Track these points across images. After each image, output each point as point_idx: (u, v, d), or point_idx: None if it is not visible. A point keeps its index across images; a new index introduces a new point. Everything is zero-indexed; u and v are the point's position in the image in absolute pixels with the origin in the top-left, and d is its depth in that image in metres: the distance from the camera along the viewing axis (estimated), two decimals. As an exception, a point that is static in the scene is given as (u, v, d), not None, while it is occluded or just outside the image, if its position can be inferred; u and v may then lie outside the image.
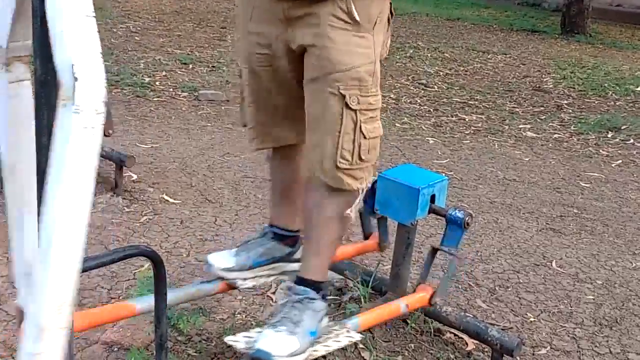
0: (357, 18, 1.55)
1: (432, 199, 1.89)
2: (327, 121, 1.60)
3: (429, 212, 1.90)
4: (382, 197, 1.90)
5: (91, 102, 0.93)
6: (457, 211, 1.86)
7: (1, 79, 1.06)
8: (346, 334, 1.70)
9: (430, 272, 1.96)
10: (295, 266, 1.87)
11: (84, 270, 1.25)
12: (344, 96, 1.57)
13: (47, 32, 1.03)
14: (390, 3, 1.70)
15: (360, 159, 1.61)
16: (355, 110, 1.58)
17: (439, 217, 1.99)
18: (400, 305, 1.89)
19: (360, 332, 1.77)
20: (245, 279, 1.85)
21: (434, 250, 1.91)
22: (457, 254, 1.88)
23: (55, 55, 0.94)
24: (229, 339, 1.64)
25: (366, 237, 2.19)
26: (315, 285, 1.70)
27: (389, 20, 1.70)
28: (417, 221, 1.91)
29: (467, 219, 1.84)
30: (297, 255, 1.90)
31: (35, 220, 1.07)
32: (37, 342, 0.92)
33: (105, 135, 2.98)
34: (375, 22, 1.61)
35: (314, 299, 1.67)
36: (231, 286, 1.87)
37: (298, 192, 1.87)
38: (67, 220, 0.92)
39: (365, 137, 1.60)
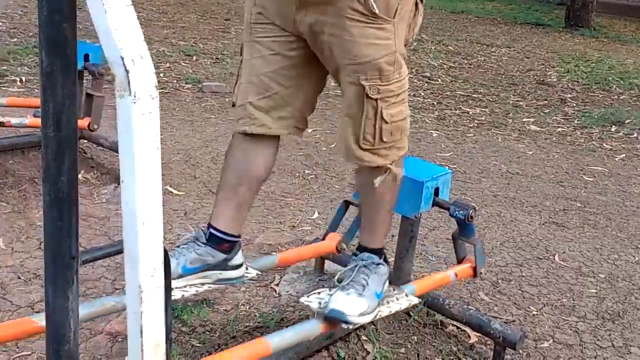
0: (375, 10, 1.54)
1: (436, 192, 1.90)
2: (350, 107, 1.64)
3: (433, 205, 1.91)
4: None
5: (145, 89, 0.99)
6: (459, 208, 1.86)
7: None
8: (406, 298, 1.81)
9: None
10: (231, 274, 1.78)
11: (89, 260, 1.25)
12: (364, 87, 1.59)
13: (53, 24, 1.04)
14: None
15: (382, 140, 1.65)
16: (375, 99, 1.60)
17: (442, 210, 1.99)
18: (449, 274, 1.99)
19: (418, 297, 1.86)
20: (174, 288, 1.67)
21: (454, 238, 2.01)
22: (477, 242, 1.97)
23: (105, 50, 0.99)
24: (304, 300, 1.72)
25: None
26: (378, 251, 1.80)
27: (417, 4, 1.68)
28: (420, 214, 1.92)
29: (470, 212, 1.85)
30: (235, 262, 1.79)
31: None
32: (139, 303, 1.05)
33: (90, 130, 2.99)
34: (396, 11, 1.59)
35: (378, 263, 1.77)
36: None
37: (252, 190, 1.79)
38: (144, 197, 1.03)
39: (386, 122, 1.63)
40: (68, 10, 1.04)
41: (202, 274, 1.75)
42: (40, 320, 1.53)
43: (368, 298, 1.69)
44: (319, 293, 1.75)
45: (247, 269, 1.85)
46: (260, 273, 1.91)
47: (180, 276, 1.71)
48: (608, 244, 2.87)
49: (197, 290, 1.73)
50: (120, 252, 1.41)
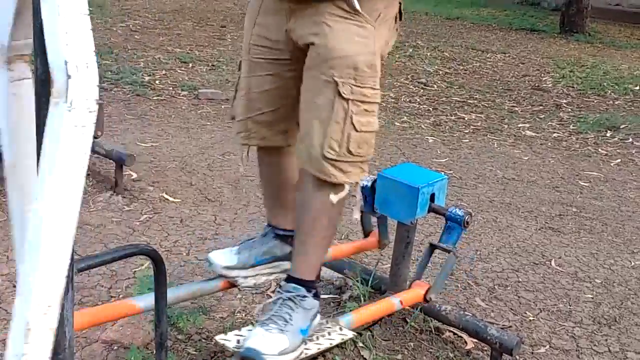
0: (358, 7, 1.54)
1: (432, 197, 1.90)
2: (318, 108, 1.57)
3: (429, 211, 1.91)
4: (381, 196, 1.91)
5: (84, 100, 0.93)
6: (457, 210, 1.87)
7: (2, 77, 1.07)
8: (339, 332, 1.70)
9: (430, 270, 1.96)
10: None
11: (85, 269, 1.26)
12: (337, 83, 1.54)
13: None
14: (400, 3, 1.69)
15: (348, 151, 1.58)
16: (347, 100, 1.55)
17: (438, 215, 1.99)
18: (394, 302, 1.88)
19: (354, 330, 1.77)
20: (246, 277, 1.85)
21: (431, 247, 1.92)
22: (454, 251, 1.88)
23: (49, 52, 0.95)
24: (219, 338, 1.64)
25: (366, 235, 2.20)
26: (306, 284, 1.69)
27: (396, 19, 1.69)
28: (416, 220, 1.92)
29: (466, 217, 1.85)
30: None
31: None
32: (23, 343, 0.91)
33: (94, 137, 2.99)
34: (379, 16, 1.59)
35: (305, 296, 1.66)
36: (232, 284, 1.86)
37: (289, 193, 1.85)
38: (56, 218, 0.92)
39: (356, 130, 1.56)
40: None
41: (271, 264, 1.87)
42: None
43: (290, 334, 1.58)
44: (239, 329, 1.69)
45: None
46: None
47: (254, 266, 1.85)
48: (604, 249, 2.87)
49: (266, 279, 1.88)
50: (117, 259, 1.42)
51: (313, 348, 1.63)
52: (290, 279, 1.70)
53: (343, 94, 1.55)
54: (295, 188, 1.75)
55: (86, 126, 0.95)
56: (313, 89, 1.59)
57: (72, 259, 1.18)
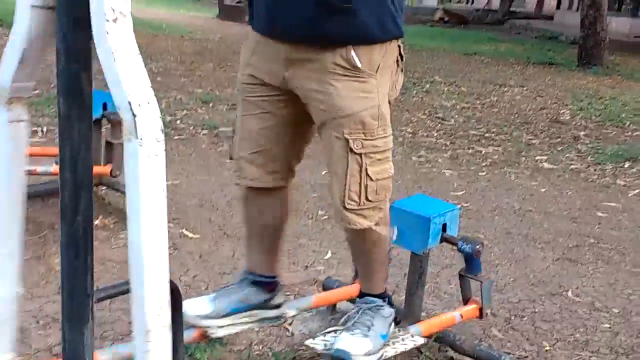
0: (358, 65, 1.61)
1: (444, 227, 1.94)
2: (335, 164, 1.67)
3: (441, 241, 1.94)
4: (394, 226, 1.95)
5: (151, 133, 1.04)
6: (467, 243, 1.90)
7: (2, 117, 1.14)
8: (411, 338, 1.86)
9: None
10: (273, 313, 1.94)
11: (105, 298, 1.31)
12: (347, 140, 1.63)
13: (71, 71, 1.11)
14: (399, 46, 1.74)
15: (367, 199, 1.68)
16: (359, 154, 1.64)
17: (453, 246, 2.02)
18: (455, 315, 2.03)
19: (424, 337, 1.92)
20: (220, 327, 1.84)
21: (461, 276, 2.00)
22: (484, 279, 1.99)
23: (114, 96, 1.05)
24: (309, 342, 1.78)
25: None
26: (379, 295, 1.85)
27: (398, 62, 1.74)
28: (429, 250, 1.95)
29: (477, 247, 1.88)
30: (276, 301, 1.94)
31: (15, 264, 1.18)
32: (146, 342, 1.07)
33: (112, 176, 3.08)
34: (379, 67, 1.65)
35: (382, 306, 1.83)
36: (204, 335, 1.84)
37: (272, 237, 1.91)
38: (150, 237, 1.07)
39: (372, 179, 1.66)
40: (84, 61, 1.12)
41: (247, 312, 1.89)
42: (57, 361, 1.57)
43: (373, 339, 1.74)
44: (324, 335, 1.80)
45: (286, 308, 1.97)
46: (297, 311, 2.02)
47: (228, 314, 1.86)
48: (622, 279, 2.87)
49: (241, 329, 1.89)
50: (134, 289, 1.46)
51: (390, 351, 1.78)
52: (363, 295, 1.86)
53: (355, 150, 1.64)
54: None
55: (158, 155, 1.06)
56: (328, 146, 1.68)
57: (91, 289, 1.24)
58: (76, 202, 1.19)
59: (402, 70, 1.77)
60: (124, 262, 2.69)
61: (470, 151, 4.99)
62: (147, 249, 1.09)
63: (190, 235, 3.02)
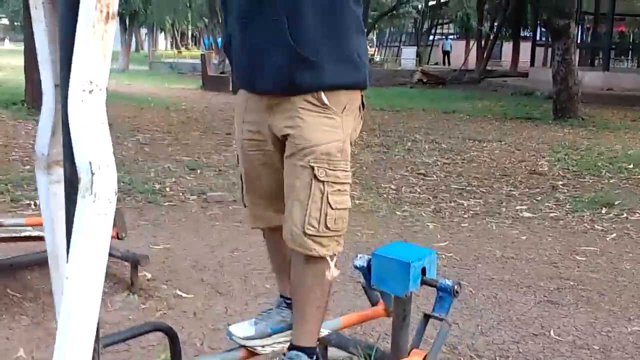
0: (327, 103, 1.79)
1: (423, 271, 2.05)
2: (298, 191, 1.81)
3: (421, 284, 2.06)
4: (377, 272, 2.07)
5: (105, 192, 1.15)
6: (446, 281, 2.02)
7: (44, 180, 1.28)
8: None
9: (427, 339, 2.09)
10: None
11: (110, 344, 1.42)
12: (313, 168, 1.78)
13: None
14: (362, 96, 1.93)
15: (326, 227, 1.81)
16: (323, 182, 1.79)
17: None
18: None
19: None
20: (264, 346, 2.00)
21: (425, 317, 2.05)
22: (447, 319, 2.02)
23: (76, 156, 1.17)
24: None
25: (373, 305, 2.34)
26: (307, 350, 1.89)
27: (360, 109, 1.93)
28: (411, 293, 2.06)
29: (455, 286, 2.00)
30: None
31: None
32: None
33: (119, 238, 3.19)
34: (345, 108, 1.84)
35: None
36: (253, 352, 2.02)
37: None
38: (85, 289, 1.14)
39: (332, 208, 1.80)
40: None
41: (287, 332, 2.02)
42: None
43: None
44: None
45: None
46: (329, 330, 2.14)
47: (270, 335, 2.01)
48: (601, 318, 2.98)
49: (283, 346, 2.00)
50: (136, 335, 1.57)
51: None
52: (292, 347, 1.89)
53: (319, 177, 1.79)
54: (291, 264, 1.94)
55: (107, 214, 1.17)
56: (293, 175, 1.82)
57: (98, 335, 1.35)
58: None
59: (362, 118, 1.95)
60: (119, 323, 2.79)
61: (452, 204, 5.14)
62: (78, 311, 1.15)
63: (184, 295, 3.11)
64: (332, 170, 1.80)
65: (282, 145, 1.87)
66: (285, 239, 1.87)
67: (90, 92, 1.18)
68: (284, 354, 1.89)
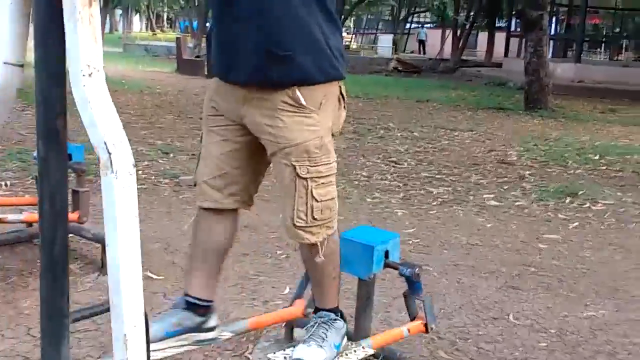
0: (303, 102, 1.86)
1: (387, 254, 2.13)
2: (286, 187, 1.91)
3: (384, 267, 2.14)
4: (342, 255, 2.14)
5: (124, 167, 1.24)
6: (407, 267, 2.11)
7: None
8: (362, 350, 2.06)
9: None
10: (207, 335, 2.08)
11: (79, 319, 1.47)
12: (294, 167, 1.87)
13: (48, 119, 1.30)
14: (340, 87, 1.99)
15: (314, 218, 1.90)
16: (305, 179, 1.88)
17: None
18: (402, 330, 2.23)
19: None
20: (156, 350, 1.92)
21: (405, 296, 2.19)
22: (426, 298, 2.21)
23: (91, 137, 1.24)
24: (271, 356, 1.99)
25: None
26: (332, 310, 2.06)
27: (340, 101, 1.99)
28: (374, 275, 2.15)
29: (416, 270, 2.08)
30: (209, 324, 2.08)
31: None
32: (125, 350, 1.25)
33: (80, 222, 3.23)
34: (321, 104, 1.90)
35: (335, 319, 2.05)
36: None
37: (217, 260, 2.10)
38: (127, 258, 1.26)
39: (317, 200, 1.89)
40: (60, 108, 1.31)
41: (181, 336, 2.01)
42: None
43: (327, 348, 1.94)
44: (284, 349, 1.98)
45: (221, 331, 2.08)
46: (232, 334, 2.15)
47: (163, 339, 1.96)
48: (559, 303, 3.09)
49: (177, 351, 1.99)
50: (106, 311, 1.61)
51: None
52: (318, 310, 2.06)
53: (301, 175, 1.88)
54: (299, 249, 2.07)
55: (131, 186, 1.26)
56: (279, 172, 1.92)
57: (68, 310, 1.41)
58: (54, 233, 1.37)
59: (344, 108, 2.02)
60: (90, 303, 2.82)
61: (422, 192, 5.24)
62: (124, 268, 1.27)
63: (155, 276, 3.16)
64: (313, 166, 1.88)
65: (250, 133, 1.95)
66: (285, 234, 2.01)
67: (90, 75, 1.23)
68: (313, 314, 2.06)
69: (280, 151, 1.88)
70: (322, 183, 1.90)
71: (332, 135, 1.97)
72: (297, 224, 1.89)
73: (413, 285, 2.13)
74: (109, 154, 1.21)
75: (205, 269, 2.08)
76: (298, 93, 1.85)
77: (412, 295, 2.18)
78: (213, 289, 2.12)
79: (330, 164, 1.93)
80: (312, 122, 1.88)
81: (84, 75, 1.20)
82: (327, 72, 1.90)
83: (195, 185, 2.09)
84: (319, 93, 1.89)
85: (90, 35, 1.19)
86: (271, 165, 2.03)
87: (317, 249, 1.94)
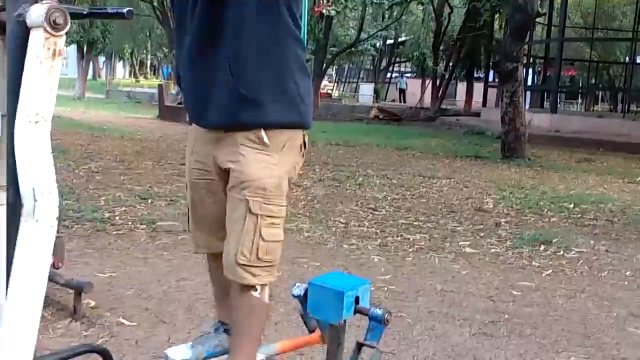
0: (266, 141, 1.92)
1: (357, 300, 2.15)
2: (235, 222, 1.93)
3: (355, 312, 2.15)
4: (313, 301, 2.15)
5: (48, 218, 1.25)
6: (377, 310, 2.12)
7: None
8: None
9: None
10: None
11: (43, 364, 1.47)
12: (248, 201, 1.90)
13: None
14: (304, 135, 2.05)
15: (257, 257, 1.92)
16: (256, 215, 1.90)
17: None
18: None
19: None
20: None
21: (358, 345, 2.15)
22: (378, 347, 2.12)
23: (20, 182, 1.25)
24: None
25: (311, 331, 2.41)
26: None
27: (301, 148, 2.05)
28: (344, 321, 2.16)
29: (386, 315, 2.10)
30: None
31: None
32: None
33: (55, 267, 3.22)
34: (284, 146, 1.96)
35: None
36: None
37: None
38: (26, 306, 1.23)
39: (264, 240, 1.91)
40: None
41: (222, 357, 2.11)
42: None
43: None
44: None
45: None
46: (264, 355, 2.18)
47: (205, 358, 2.09)
48: (531, 350, 3.11)
49: None
50: (71, 356, 1.62)
51: None
52: None
53: (253, 210, 1.90)
54: (230, 294, 2.03)
55: (49, 237, 1.25)
56: (232, 206, 1.94)
57: (34, 356, 1.41)
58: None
59: (303, 156, 2.07)
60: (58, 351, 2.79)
61: (398, 238, 5.28)
62: (20, 322, 1.23)
63: (127, 323, 3.13)
64: (266, 204, 1.91)
65: (226, 176, 1.98)
66: (224, 269, 1.97)
67: (36, 122, 1.26)
68: None
69: (237, 185, 1.91)
70: (272, 223, 1.92)
71: (288, 180, 2.02)
72: (240, 261, 1.90)
73: (375, 329, 2.13)
74: (35, 200, 1.22)
75: (227, 301, 2.12)
76: (262, 133, 1.91)
77: (366, 342, 2.15)
78: None
79: (282, 206, 1.97)
80: (273, 161, 1.93)
81: (29, 122, 1.24)
82: (294, 120, 1.97)
83: (186, 231, 2.17)
84: (283, 137, 1.95)
85: (46, 85, 1.23)
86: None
87: (254, 293, 1.94)
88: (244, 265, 1.90)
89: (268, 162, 1.92)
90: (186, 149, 2.16)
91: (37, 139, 1.26)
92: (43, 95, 1.24)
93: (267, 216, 1.91)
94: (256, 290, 1.94)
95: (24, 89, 1.25)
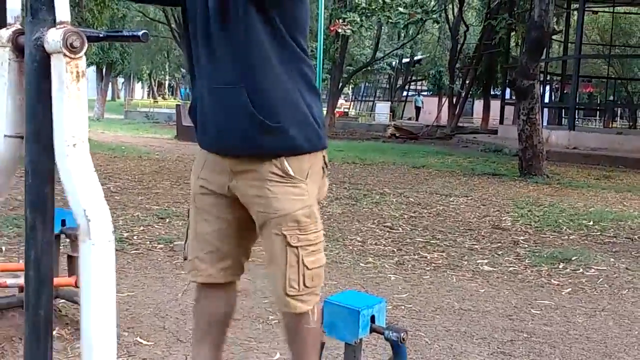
0: (291, 173, 1.92)
1: (372, 319, 2.15)
2: (276, 258, 1.95)
3: (370, 332, 2.15)
4: (328, 319, 2.15)
5: (103, 235, 1.28)
6: (393, 331, 2.11)
7: None
8: None
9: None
10: None
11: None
12: (285, 236, 1.91)
13: (36, 188, 1.35)
14: (324, 156, 2.06)
15: (305, 286, 1.95)
16: (296, 247, 1.92)
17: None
18: None
19: None
20: None
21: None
22: None
23: (72, 204, 1.29)
24: None
25: None
26: None
27: (323, 169, 2.05)
28: (360, 339, 2.15)
29: (402, 335, 2.09)
30: None
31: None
32: None
33: (77, 287, 3.24)
34: (308, 174, 1.96)
35: None
36: None
37: (221, 330, 2.15)
38: (100, 323, 1.29)
39: (308, 268, 1.94)
40: (48, 179, 1.36)
41: None
42: None
43: None
44: None
45: None
46: None
47: None
48: (551, 369, 3.08)
49: None
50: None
51: None
52: None
53: (292, 244, 1.92)
54: (282, 321, 2.10)
55: (109, 254, 1.30)
56: (269, 242, 1.96)
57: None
58: (38, 297, 1.40)
59: (326, 176, 2.08)
60: (78, 370, 2.81)
61: (415, 257, 5.25)
62: (97, 337, 1.29)
63: (144, 342, 3.14)
64: (303, 235, 1.93)
65: (239, 206, 1.99)
66: (276, 304, 2.05)
67: (74, 145, 1.29)
68: None
69: (269, 221, 1.93)
70: (312, 251, 1.95)
71: (318, 203, 2.03)
72: (290, 293, 1.93)
73: (398, 351, 2.13)
74: (88, 221, 1.25)
75: (210, 340, 2.13)
76: (286, 163, 1.91)
77: (396, 362, 2.16)
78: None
79: (318, 231, 1.98)
80: (300, 191, 1.94)
81: (68, 146, 1.26)
82: (313, 143, 1.96)
83: (185, 259, 2.14)
84: (305, 163, 1.95)
85: (76, 107, 1.25)
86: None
87: (308, 318, 1.98)
88: (293, 296, 1.94)
89: (297, 194, 1.94)
90: (191, 175, 2.14)
91: (78, 161, 1.29)
92: (75, 118, 1.27)
93: (307, 246, 1.94)
94: (309, 316, 1.98)
95: (56, 115, 1.28)
